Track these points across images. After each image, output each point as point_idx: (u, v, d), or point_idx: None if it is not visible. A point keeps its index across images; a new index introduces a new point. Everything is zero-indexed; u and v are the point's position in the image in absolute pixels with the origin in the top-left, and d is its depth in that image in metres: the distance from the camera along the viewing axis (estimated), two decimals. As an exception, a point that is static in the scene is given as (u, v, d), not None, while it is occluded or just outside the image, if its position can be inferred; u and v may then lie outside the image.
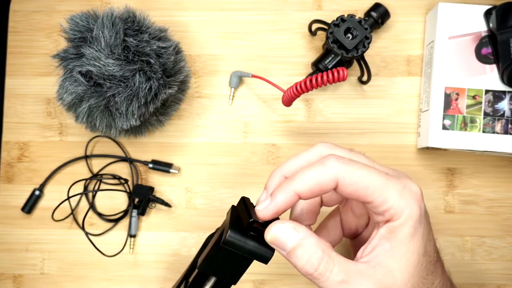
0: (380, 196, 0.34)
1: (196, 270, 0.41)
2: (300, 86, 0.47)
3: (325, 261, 0.32)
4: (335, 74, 0.45)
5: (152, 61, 0.46)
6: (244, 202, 0.37)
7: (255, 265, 0.54)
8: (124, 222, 0.55)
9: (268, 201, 0.34)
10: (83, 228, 0.53)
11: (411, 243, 0.34)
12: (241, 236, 0.34)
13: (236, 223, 0.35)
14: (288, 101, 0.49)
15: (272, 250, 0.35)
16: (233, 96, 0.55)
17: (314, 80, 0.46)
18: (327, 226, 0.43)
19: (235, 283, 0.39)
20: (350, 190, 0.34)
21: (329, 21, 0.51)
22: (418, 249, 0.35)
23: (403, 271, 0.34)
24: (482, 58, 0.50)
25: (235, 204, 0.39)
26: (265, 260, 0.35)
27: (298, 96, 0.48)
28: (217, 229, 0.42)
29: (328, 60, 0.51)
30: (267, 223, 0.35)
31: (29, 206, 0.55)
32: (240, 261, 0.36)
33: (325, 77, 0.45)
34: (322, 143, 0.37)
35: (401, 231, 0.34)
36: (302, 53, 0.55)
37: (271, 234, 0.33)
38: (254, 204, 0.36)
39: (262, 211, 0.34)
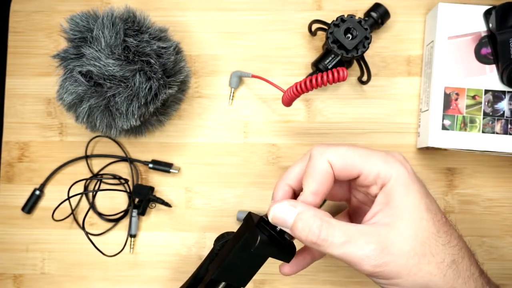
0: (366, 165, 0.37)
1: (206, 279, 0.41)
2: (300, 86, 0.47)
3: (325, 227, 0.35)
4: (335, 74, 0.45)
5: (152, 61, 0.46)
6: (251, 217, 0.39)
7: (255, 265, 0.54)
8: (124, 222, 0.55)
9: (271, 204, 0.37)
10: (83, 228, 0.53)
11: (409, 199, 0.36)
12: (269, 242, 0.36)
13: (261, 230, 0.37)
14: (288, 101, 0.49)
15: (294, 249, 0.38)
16: (233, 96, 0.55)
17: (314, 80, 0.46)
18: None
19: (244, 286, 0.40)
20: (340, 167, 0.37)
21: (329, 21, 0.51)
22: (418, 203, 0.36)
23: (408, 226, 0.35)
24: (481, 58, 0.50)
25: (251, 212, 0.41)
26: (288, 259, 0.38)
27: (298, 96, 0.48)
28: (223, 235, 0.43)
29: (328, 60, 0.51)
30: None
31: (29, 206, 0.55)
32: (256, 265, 0.39)
33: (325, 77, 0.45)
34: (317, 145, 0.39)
35: (395, 191, 0.36)
36: (302, 53, 0.55)
37: (271, 214, 0.36)
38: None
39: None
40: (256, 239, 0.36)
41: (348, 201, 0.44)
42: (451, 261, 0.35)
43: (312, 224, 0.35)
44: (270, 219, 0.37)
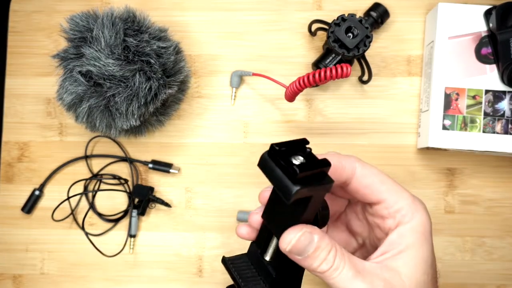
0: (393, 195, 0.35)
1: None
2: (303, 81, 0.46)
3: (339, 257, 0.33)
4: (339, 70, 0.45)
5: (152, 61, 0.46)
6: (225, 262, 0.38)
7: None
8: (124, 222, 0.55)
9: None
10: (83, 228, 0.53)
11: (421, 250, 0.34)
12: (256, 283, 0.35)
13: (243, 275, 0.36)
14: (291, 96, 0.49)
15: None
16: (235, 96, 0.55)
17: (317, 75, 0.46)
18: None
19: None
20: (366, 183, 0.35)
21: (329, 21, 0.51)
22: (427, 258, 0.35)
23: (411, 276, 0.34)
24: (482, 58, 0.50)
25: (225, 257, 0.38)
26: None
27: (301, 91, 0.47)
28: None
29: (328, 60, 0.51)
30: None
31: (29, 206, 0.55)
32: None
33: (328, 72, 0.45)
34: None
35: (411, 236, 0.34)
36: (302, 53, 0.55)
37: (291, 244, 0.33)
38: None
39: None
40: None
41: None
42: None
43: (330, 253, 0.33)
44: (286, 248, 0.33)
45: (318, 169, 0.30)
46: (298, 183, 0.29)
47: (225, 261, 0.37)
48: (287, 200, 0.29)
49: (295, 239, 0.32)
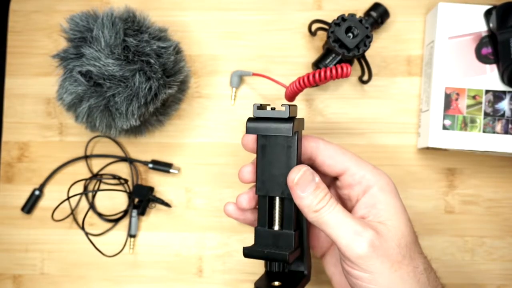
0: (355, 164, 0.40)
1: None
2: (303, 81, 0.46)
3: (332, 199, 0.38)
4: (339, 69, 0.45)
5: (152, 61, 0.46)
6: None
7: (255, 265, 0.54)
8: (124, 222, 0.55)
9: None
10: (83, 228, 0.53)
11: (396, 205, 0.39)
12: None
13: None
14: (291, 96, 0.49)
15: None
16: (235, 96, 0.55)
17: (317, 75, 0.46)
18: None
19: None
20: (329, 154, 0.40)
21: (329, 21, 0.51)
22: (403, 212, 0.39)
23: (396, 227, 0.38)
24: (482, 58, 0.50)
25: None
26: None
27: (301, 91, 0.47)
28: None
29: (328, 60, 0.51)
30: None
31: (29, 206, 0.55)
32: None
33: (328, 72, 0.45)
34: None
35: (383, 195, 0.39)
36: (302, 53, 0.55)
37: (298, 175, 0.37)
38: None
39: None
40: None
41: None
42: (423, 268, 0.38)
43: (326, 194, 0.37)
44: (294, 180, 0.37)
45: (291, 106, 0.39)
46: (290, 119, 0.38)
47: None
48: (289, 133, 0.37)
49: (302, 171, 0.37)
